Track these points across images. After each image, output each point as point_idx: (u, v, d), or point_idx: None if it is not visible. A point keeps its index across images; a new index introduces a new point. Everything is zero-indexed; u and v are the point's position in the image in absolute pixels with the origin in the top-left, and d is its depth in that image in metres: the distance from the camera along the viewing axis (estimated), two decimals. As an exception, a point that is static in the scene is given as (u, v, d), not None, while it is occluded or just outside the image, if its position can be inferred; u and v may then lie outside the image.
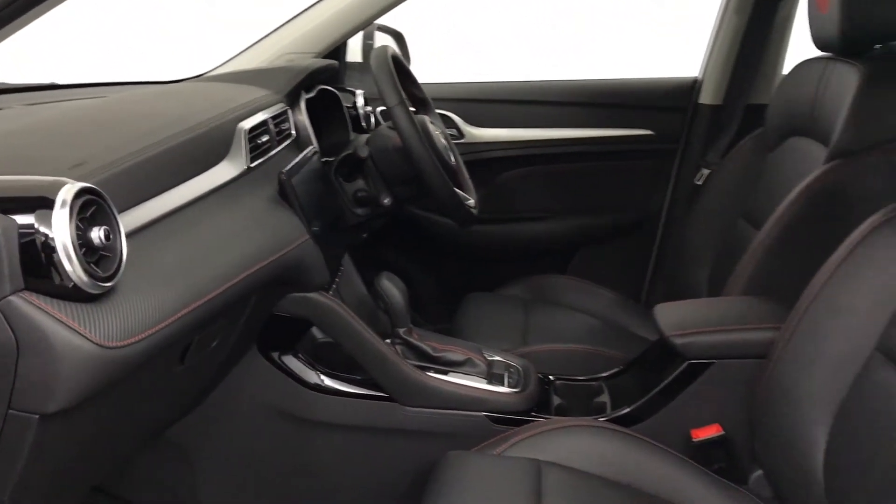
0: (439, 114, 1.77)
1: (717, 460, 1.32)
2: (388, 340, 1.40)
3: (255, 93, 1.39)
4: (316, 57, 1.75)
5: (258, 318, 1.25)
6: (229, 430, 1.39)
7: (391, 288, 1.40)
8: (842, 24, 1.46)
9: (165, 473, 1.45)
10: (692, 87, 2.21)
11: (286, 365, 1.35)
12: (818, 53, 1.64)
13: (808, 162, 1.55)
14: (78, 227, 0.72)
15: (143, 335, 0.79)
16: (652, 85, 2.26)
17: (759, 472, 1.29)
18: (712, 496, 1.17)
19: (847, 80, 1.47)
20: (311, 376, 1.36)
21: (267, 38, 1.78)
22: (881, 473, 0.96)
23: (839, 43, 1.50)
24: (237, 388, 1.34)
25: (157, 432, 1.26)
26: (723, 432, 1.33)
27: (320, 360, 1.39)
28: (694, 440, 1.34)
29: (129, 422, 1.01)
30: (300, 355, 1.36)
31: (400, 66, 1.51)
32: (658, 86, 2.25)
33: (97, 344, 0.74)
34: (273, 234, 1.15)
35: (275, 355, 1.35)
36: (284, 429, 1.38)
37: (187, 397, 1.22)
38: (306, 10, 1.77)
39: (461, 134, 2.15)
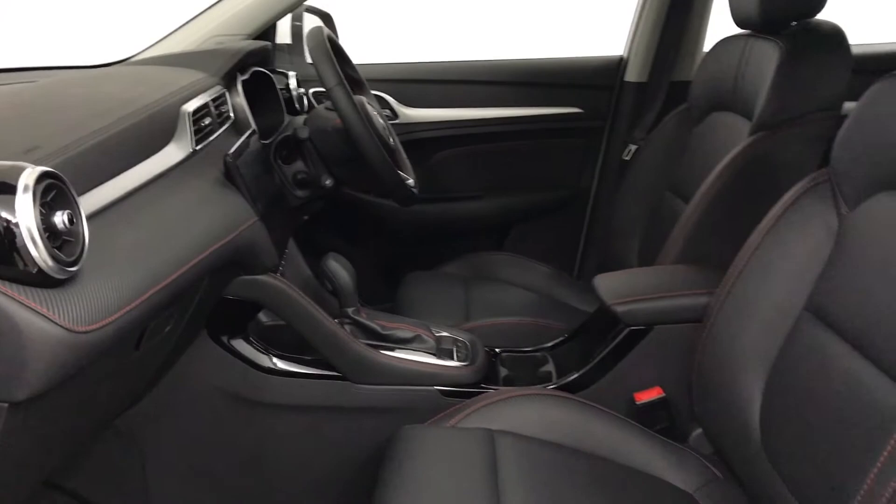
0: (374, 95, 1.78)
1: (660, 421, 1.38)
2: (336, 320, 1.41)
3: (193, 75, 1.36)
4: (245, 39, 1.72)
5: (208, 301, 1.24)
6: (180, 417, 1.37)
7: (339, 269, 1.41)
8: (761, 3, 1.52)
9: (114, 462, 1.42)
10: (618, 65, 2.26)
11: (236, 348, 1.34)
12: (736, 31, 1.71)
13: (732, 135, 1.60)
14: (41, 212, 0.71)
15: (111, 318, 0.78)
16: (579, 64, 2.29)
17: (699, 431, 1.34)
18: (656, 455, 1.23)
19: (768, 55, 1.53)
20: (262, 359, 1.36)
21: (195, 21, 1.74)
22: (812, 425, 1.01)
23: (759, 21, 1.55)
24: (188, 373, 1.33)
25: (109, 421, 1.24)
26: (664, 394, 1.39)
27: (269, 343, 1.39)
28: (637, 403, 1.39)
29: (87, 410, 1.00)
30: (251, 338, 1.36)
31: (335, 48, 1.50)
32: (585, 64, 2.29)
33: (67, 329, 0.73)
34: (224, 216, 1.14)
35: (224, 339, 1.34)
36: (237, 412, 1.38)
37: (140, 384, 1.21)
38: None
39: (395, 114, 2.15)
